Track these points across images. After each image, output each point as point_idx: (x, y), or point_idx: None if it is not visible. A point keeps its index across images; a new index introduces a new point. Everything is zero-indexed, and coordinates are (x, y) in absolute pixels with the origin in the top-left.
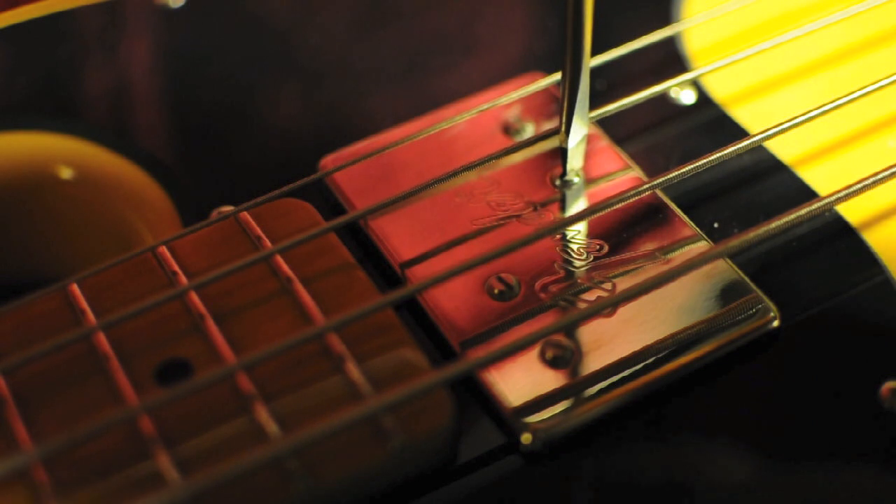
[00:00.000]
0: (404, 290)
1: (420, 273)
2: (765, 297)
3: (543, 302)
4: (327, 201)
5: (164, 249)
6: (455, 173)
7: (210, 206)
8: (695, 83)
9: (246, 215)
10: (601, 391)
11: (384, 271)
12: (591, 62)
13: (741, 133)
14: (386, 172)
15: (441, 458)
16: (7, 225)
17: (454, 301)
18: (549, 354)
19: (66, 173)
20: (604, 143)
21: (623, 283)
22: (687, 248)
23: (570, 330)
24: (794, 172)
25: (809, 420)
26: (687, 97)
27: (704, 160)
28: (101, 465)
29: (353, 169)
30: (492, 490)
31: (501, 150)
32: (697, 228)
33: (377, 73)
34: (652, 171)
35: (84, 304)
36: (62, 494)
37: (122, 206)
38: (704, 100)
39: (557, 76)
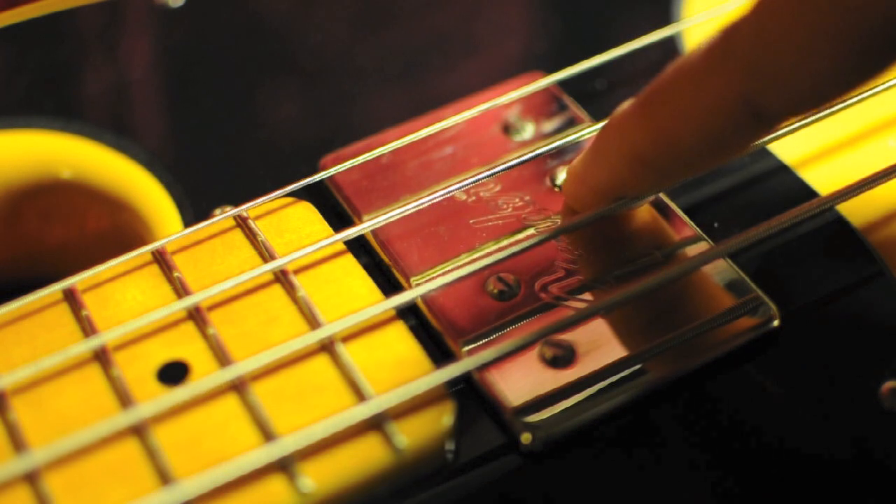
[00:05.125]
0: (405, 293)
1: (420, 273)
2: (765, 297)
3: (543, 302)
4: (327, 201)
5: (164, 249)
6: (469, 180)
7: (210, 206)
8: None
9: (246, 215)
10: (601, 391)
11: (384, 271)
12: (591, 62)
13: None
14: (386, 172)
15: (441, 459)
16: (7, 225)
17: (454, 301)
18: (549, 354)
19: (66, 173)
20: None
21: (623, 284)
22: (687, 248)
23: (569, 330)
24: (795, 172)
25: (809, 420)
26: None
27: None
28: (100, 468)
29: (353, 169)
30: (492, 490)
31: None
32: (697, 228)
33: (377, 73)
34: None
35: (84, 304)
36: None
37: (122, 205)
38: None
39: (557, 76)
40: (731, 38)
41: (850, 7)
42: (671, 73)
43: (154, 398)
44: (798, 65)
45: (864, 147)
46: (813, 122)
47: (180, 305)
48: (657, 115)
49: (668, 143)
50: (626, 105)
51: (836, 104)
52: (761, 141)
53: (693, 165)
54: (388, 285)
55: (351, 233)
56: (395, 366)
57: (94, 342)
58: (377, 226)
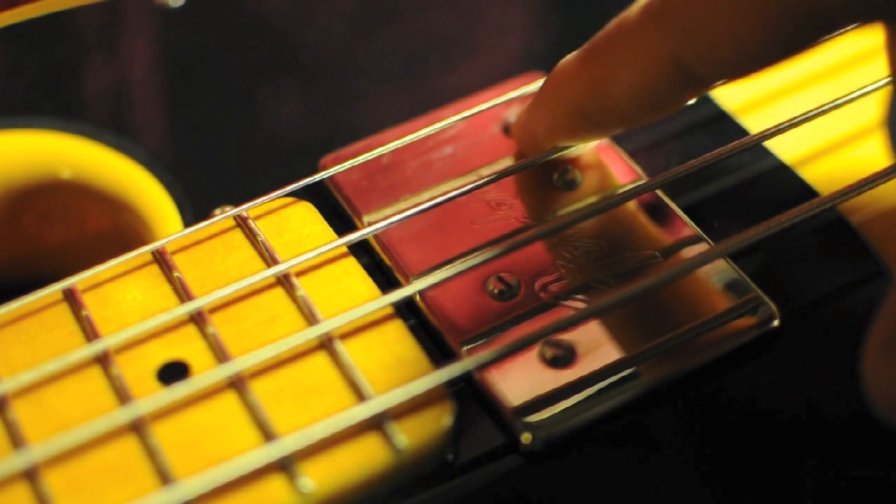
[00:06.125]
0: (404, 289)
1: (420, 273)
2: (765, 297)
3: (543, 302)
4: (327, 201)
5: (164, 249)
6: (477, 183)
7: (210, 206)
8: None
9: (246, 215)
10: (601, 391)
11: (384, 271)
12: None
13: (741, 133)
14: (386, 172)
15: (441, 458)
16: (7, 225)
17: (454, 301)
18: (549, 354)
19: (66, 173)
20: (604, 142)
21: (623, 284)
22: (687, 248)
23: (569, 330)
24: (795, 172)
25: (809, 420)
26: None
27: (704, 159)
28: (100, 467)
29: (353, 169)
30: (492, 490)
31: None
32: (697, 228)
33: (377, 73)
34: (652, 171)
35: (84, 304)
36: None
37: (122, 205)
38: (704, 99)
39: None
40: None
41: None
42: (609, 30)
43: (154, 396)
44: (726, 32)
45: (863, 146)
46: (812, 120)
47: (183, 310)
48: (595, 69)
49: (605, 97)
50: (569, 57)
51: (835, 102)
52: (760, 137)
53: (628, 119)
54: (389, 286)
55: (355, 237)
56: (395, 365)
57: (96, 347)
58: (381, 230)
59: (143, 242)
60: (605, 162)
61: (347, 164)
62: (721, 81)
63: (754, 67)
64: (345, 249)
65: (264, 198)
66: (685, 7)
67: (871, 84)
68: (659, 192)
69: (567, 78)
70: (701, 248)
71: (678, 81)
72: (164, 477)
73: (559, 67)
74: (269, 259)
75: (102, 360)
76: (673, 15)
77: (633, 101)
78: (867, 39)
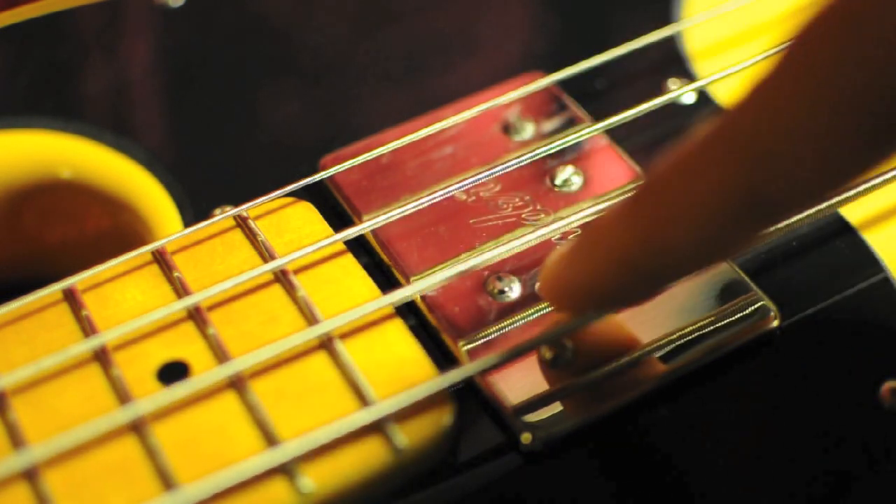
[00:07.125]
0: (405, 290)
1: (420, 273)
2: (765, 297)
3: (544, 301)
4: (327, 201)
5: (164, 249)
6: (469, 180)
7: (210, 206)
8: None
9: (246, 215)
10: (601, 391)
11: (384, 271)
12: (591, 62)
13: None
14: (386, 172)
15: (441, 458)
16: (7, 225)
17: (454, 300)
18: (549, 354)
19: (66, 173)
20: (604, 142)
21: None
22: None
23: (569, 330)
24: None
25: (809, 420)
26: (687, 97)
27: None
28: (100, 467)
29: (353, 169)
30: (491, 490)
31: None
32: None
33: (377, 73)
34: None
35: (84, 304)
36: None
37: (122, 205)
38: (704, 100)
39: (557, 76)
40: (732, 124)
41: (879, 84)
42: (662, 169)
43: (154, 396)
44: (806, 144)
45: None
46: None
47: (180, 305)
48: (648, 214)
49: (660, 245)
50: (612, 204)
51: None
52: None
53: (684, 267)
54: (389, 285)
55: (351, 233)
56: (395, 365)
57: (94, 342)
58: (377, 226)
59: (143, 242)
60: (605, 162)
61: (347, 164)
62: (796, 208)
63: (839, 182)
64: (345, 249)
65: (264, 198)
66: (757, 125)
67: None
68: None
69: (614, 226)
70: None
71: (749, 213)
72: (165, 477)
73: (602, 216)
74: (269, 259)
75: (102, 360)
76: (743, 138)
77: (692, 247)
78: None
